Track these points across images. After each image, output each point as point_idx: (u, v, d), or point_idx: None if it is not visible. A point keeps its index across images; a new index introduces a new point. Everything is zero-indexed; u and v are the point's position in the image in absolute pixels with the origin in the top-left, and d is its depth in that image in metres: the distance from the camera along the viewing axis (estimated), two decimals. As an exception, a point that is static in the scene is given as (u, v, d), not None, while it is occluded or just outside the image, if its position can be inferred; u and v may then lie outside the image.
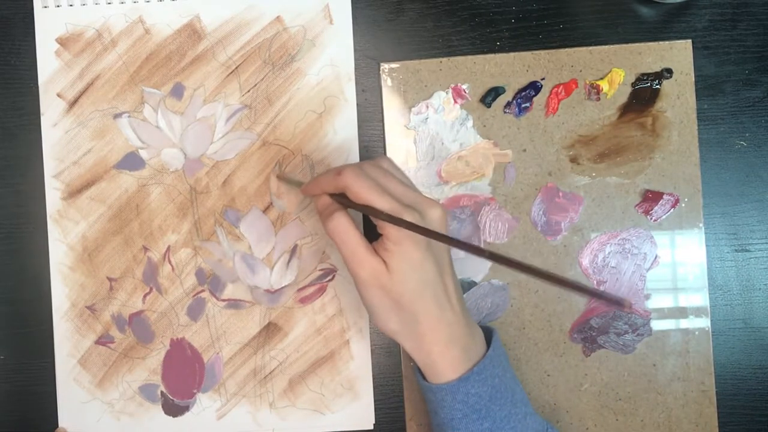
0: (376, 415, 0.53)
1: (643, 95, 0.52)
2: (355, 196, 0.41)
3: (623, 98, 0.52)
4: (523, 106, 0.52)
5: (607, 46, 0.52)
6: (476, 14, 0.53)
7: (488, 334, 0.46)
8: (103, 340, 0.53)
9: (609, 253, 0.52)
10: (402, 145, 0.53)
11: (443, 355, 0.43)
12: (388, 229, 0.41)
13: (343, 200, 0.43)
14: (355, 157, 0.53)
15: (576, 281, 0.34)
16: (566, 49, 0.52)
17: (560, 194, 0.52)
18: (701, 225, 0.52)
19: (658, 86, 0.52)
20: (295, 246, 0.53)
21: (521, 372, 0.52)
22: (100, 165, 0.53)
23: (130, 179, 0.53)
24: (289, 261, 0.53)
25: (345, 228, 0.42)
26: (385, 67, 0.53)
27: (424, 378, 0.45)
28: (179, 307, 0.53)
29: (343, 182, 0.41)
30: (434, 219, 0.42)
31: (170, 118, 0.53)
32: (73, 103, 0.53)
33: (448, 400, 0.43)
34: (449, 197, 0.52)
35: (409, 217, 0.40)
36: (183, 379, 0.53)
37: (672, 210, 0.52)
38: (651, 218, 0.52)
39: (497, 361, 0.44)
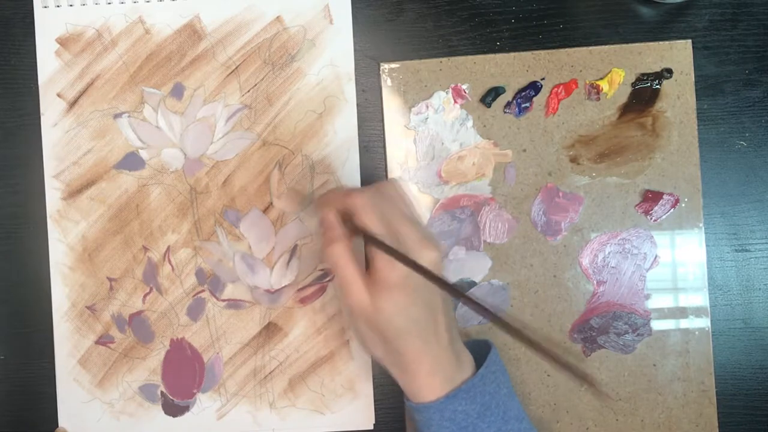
0: (376, 415, 0.53)
1: (643, 95, 0.52)
2: (359, 223, 0.41)
3: (623, 98, 0.52)
4: (523, 106, 0.52)
5: (607, 46, 0.52)
6: (476, 14, 0.53)
7: (487, 348, 0.46)
8: (103, 340, 0.53)
9: (609, 253, 0.52)
10: (402, 145, 0.53)
11: (427, 383, 0.43)
12: (380, 271, 0.41)
13: (347, 222, 0.43)
14: (355, 157, 0.53)
15: (564, 358, 0.35)
16: (566, 49, 0.52)
17: (560, 194, 0.52)
18: (701, 225, 0.52)
19: (658, 86, 0.52)
20: (295, 246, 0.53)
21: (521, 372, 0.52)
22: (100, 165, 0.53)
23: (130, 179, 0.53)
24: (289, 261, 0.53)
25: (342, 256, 0.42)
26: (385, 67, 0.53)
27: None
28: (179, 307, 0.53)
29: (351, 205, 0.42)
30: (427, 262, 0.41)
31: (170, 118, 0.53)
32: (73, 103, 0.53)
33: (436, 419, 0.42)
34: (449, 197, 0.52)
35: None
36: (183, 379, 0.53)
37: (672, 210, 0.52)
38: (651, 218, 0.52)
39: (490, 379, 0.44)
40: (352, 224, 0.43)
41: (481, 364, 0.44)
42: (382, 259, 0.41)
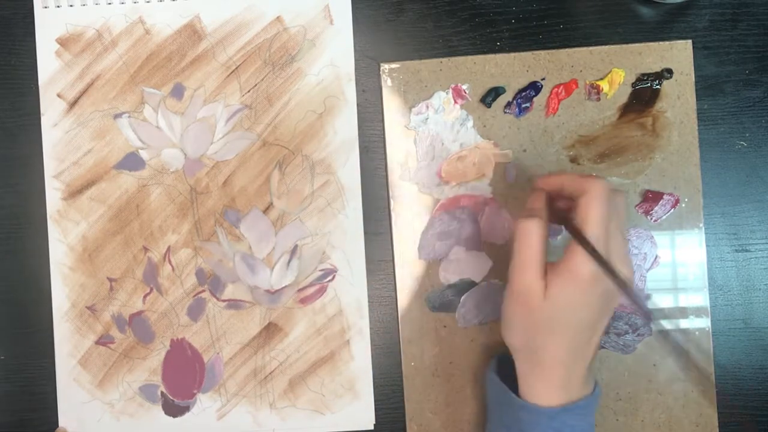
0: (376, 415, 0.53)
1: (644, 95, 0.52)
2: (582, 212, 0.41)
3: (623, 98, 0.52)
4: (523, 106, 0.52)
5: (607, 46, 0.52)
6: (476, 14, 0.53)
7: None
8: (104, 341, 0.53)
9: (609, 253, 0.52)
10: (402, 145, 0.53)
11: (550, 388, 0.42)
12: (573, 263, 0.41)
13: (560, 210, 0.43)
14: (355, 157, 0.53)
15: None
16: (566, 50, 0.52)
17: (560, 194, 0.52)
18: (701, 225, 0.52)
19: (658, 86, 0.52)
20: (296, 246, 0.53)
21: (521, 372, 0.52)
22: (101, 165, 0.53)
23: (130, 179, 0.53)
24: (289, 261, 0.53)
25: (534, 233, 0.42)
26: (385, 67, 0.53)
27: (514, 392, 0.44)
28: (179, 307, 0.53)
29: (588, 188, 0.41)
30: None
31: (170, 119, 0.53)
32: (73, 104, 0.53)
33: (542, 424, 0.42)
34: (449, 197, 0.52)
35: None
36: (183, 380, 0.53)
37: (672, 210, 0.52)
38: (651, 218, 0.52)
39: (597, 403, 0.44)
40: (564, 214, 0.42)
41: None
42: (579, 254, 0.40)
